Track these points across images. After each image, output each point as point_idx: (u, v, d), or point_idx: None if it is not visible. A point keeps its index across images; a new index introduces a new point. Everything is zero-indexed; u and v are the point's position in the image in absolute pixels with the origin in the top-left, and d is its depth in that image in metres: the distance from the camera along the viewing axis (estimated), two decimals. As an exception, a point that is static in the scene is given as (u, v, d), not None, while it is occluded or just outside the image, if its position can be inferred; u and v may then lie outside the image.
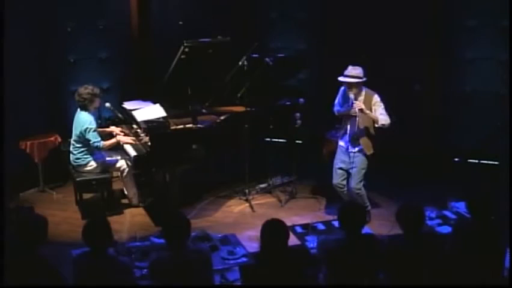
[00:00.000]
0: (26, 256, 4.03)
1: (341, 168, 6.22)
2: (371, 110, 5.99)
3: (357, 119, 6.03)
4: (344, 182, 6.24)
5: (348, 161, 6.15)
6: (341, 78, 5.99)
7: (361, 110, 5.90)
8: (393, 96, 6.25)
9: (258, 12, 8.32)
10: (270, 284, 4.05)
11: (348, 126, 6.16)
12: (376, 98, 6.03)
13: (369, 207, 6.32)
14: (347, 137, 6.18)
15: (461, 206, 6.19)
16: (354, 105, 5.92)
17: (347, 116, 6.13)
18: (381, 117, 5.95)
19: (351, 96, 5.97)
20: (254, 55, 6.49)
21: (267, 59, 6.59)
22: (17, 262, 4.00)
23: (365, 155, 6.13)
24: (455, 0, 7.44)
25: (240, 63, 6.44)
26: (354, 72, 5.93)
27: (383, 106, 6.00)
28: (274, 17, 8.24)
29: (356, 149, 6.13)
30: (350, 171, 6.17)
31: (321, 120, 7.12)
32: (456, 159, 7.67)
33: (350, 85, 5.97)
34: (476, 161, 7.55)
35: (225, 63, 6.52)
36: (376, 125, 6.01)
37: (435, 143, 7.70)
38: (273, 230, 4.11)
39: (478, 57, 7.38)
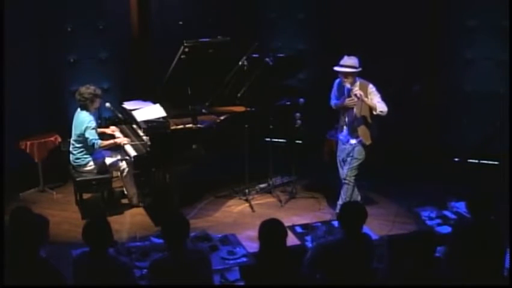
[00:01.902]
0: (27, 256, 4.02)
1: (344, 160, 6.24)
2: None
3: (354, 109, 6.04)
4: None
5: (348, 151, 6.15)
6: (336, 68, 6.00)
7: (360, 95, 5.86)
8: (392, 96, 6.24)
9: (258, 12, 8.32)
10: (270, 284, 4.05)
11: (346, 119, 6.17)
12: (371, 87, 6.03)
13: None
14: (346, 130, 6.19)
15: (461, 206, 6.19)
16: (353, 91, 5.92)
17: (344, 108, 6.14)
18: (379, 104, 5.95)
19: (347, 85, 5.97)
20: (254, 55, 6.50)
21: (267, 59, 6.59)
22: (17, 262, 3.99)
23: (363, 145, 6.12)
24: (455, 0, 7.44)
25: (240, 63, 6.45)
26: (349, 62, 5.95)
27: (379, 95, 6.00)
28: (274, 17, 8.24)
29: (356, 140, 6.13)
30: (348, 159, 6.18)
31: (321, 120, 7.11)
32: (456, 159, 7.67)
33: (345, 75, 5.97)
34: (476, 161, 7.54)
35: (225, 63, 6.52)
36: (374, 113, 5.98)
37: (435, 143, 7.69)
38: (270, 230, 4.11)
39: (478, 57, 7.38)
